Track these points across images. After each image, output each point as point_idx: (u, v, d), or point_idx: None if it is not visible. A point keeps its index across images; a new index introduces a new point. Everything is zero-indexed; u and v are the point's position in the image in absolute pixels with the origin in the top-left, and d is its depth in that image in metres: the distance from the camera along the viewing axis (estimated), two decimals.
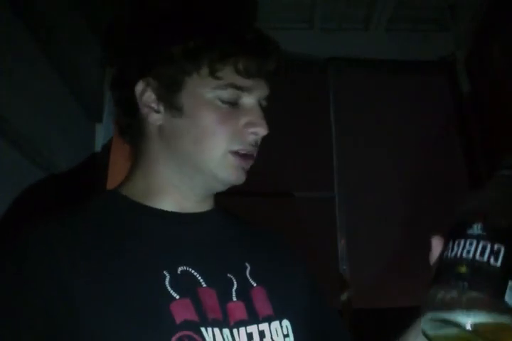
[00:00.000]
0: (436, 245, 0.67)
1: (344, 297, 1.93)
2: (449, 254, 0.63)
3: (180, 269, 0.72)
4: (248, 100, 0.76)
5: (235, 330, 0.71)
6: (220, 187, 0.80)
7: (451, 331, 0.59)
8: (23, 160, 1.13)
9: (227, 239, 0.83)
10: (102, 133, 1.60)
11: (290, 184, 2.15)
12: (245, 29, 0.77)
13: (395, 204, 2.08)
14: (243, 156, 0.76)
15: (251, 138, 0.76)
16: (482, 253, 0.61)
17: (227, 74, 0.74)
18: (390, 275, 1.94)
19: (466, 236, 0.63)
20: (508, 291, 0.59)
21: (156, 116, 0.77)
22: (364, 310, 1.92)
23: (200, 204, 0.81)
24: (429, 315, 0.61)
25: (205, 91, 0.74)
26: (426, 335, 0.63)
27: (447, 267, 0.63)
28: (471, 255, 0.61)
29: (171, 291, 0.69)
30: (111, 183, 1.35)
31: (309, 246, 1.96)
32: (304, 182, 2.16)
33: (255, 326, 0.73)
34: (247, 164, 0.77)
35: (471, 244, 0.62)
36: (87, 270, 0.68)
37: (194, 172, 0.77)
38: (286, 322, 0.76)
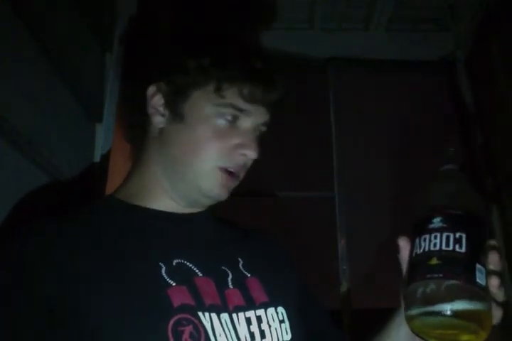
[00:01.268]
0: (404, 246, 0.71)
1: (344, 297, 1.93)
2: (418, 251, 0.67)
3: (175, 261, 0.75)
4: (245, 123, 0.80)
5: (234, 315, 0.74)
6: (202, 201, 0.82)
7: (437, 319, 0.62)
8: (23, 160, 1.13)
9: (219, 237, 0.86)
10: (102, 133, 1.60)
11: (290, 184, 2.15)
12: (257, 58, 0.81)
13: (395, 204, 2.08)
14: (230, 174, 0.79)
15: (240, 158, 0.79)
16: (447, 243, 0.64)
17: (231, 94, 0.78)
18: (390, 275, 1.94)
19: (429, 231, 0.67)
20: (477, 273, 0.63)
21: (159, 119, 0.81)
22: (364, 310, 1.92)
23: (190, 208, 0.84)
24: (414, 311, 0.64)
25: (207, 106, 0.78)
26: (414, 330, 0.66)
27: (419, 263, 0.66)
28: (437, 247, 0.65)
29: (168, 279, 0.71)
30: (111, 183, 1.35)
31: (309, 246, 1.97)
32: (304, 182, 2.16)
33: (252, 311, 0.76)
34: (232, 183, 0.81)
35: (435, 237, 0.66)
36: (85, 267, 0.69)
37: (181, 180, 0.80)
38: (281, 309, 0.79)
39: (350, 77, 2.24)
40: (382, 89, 2.23)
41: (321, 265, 1.98)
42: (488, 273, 0.65)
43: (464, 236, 0.65)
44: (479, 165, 2.07)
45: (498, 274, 0.66)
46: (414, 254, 0.68)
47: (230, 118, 0.78)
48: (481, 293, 0.63)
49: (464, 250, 0.64)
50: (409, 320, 0.65)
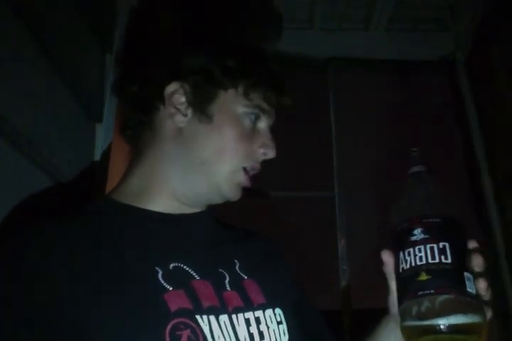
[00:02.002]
0: (388, 259, 0.72)
1: (344, 297, 1.93)
2: (405, 266, 0.66)
3: (172, 265, 0.74)
4: (263, 124, 0.83)
5: (233, 316, 0.73)
6: (217, 200, 0.83)
7: (434, 336, 0.62)
8: (23, 160, 1.13)
9: (215, 238, 0.85)
10: (102, 133, 1.60)
11: (290, 184, 2.15)
12: (274, 62, 0.84)
13: (395, 204, 2.08)
14: (250, 177, 0.82)
15: (260, 158, 0.82)
16: (433, 255, 0.64)
17: (256, 97, 0.80)
18: None
19: (412, 244, 0.66)
20: (467, 282, 0.63)
21: (181, 119, 0.80)
22: (364, 310, 1.92)
23: (190, 208, 0.84)
24: (411, 328, 0.64)
25: (236, 107, 0.80)
26: None
27: (408, 279, 0.66)
28: (424, 260, 0.64)
29: (164, 284, 0.71)
30: (111, 183, 1.35)
31: (309, 246, 1.96)
32: (304, 182, 2.16)
33: (251, 313, 0.76)
34: (248, 184, 0.83)
35: (420, 250, 0.65)
36: (84, 268, 0.69)
37: (200, 179, 0.80)
38: (278, 311, 0.79)
39: (350, 77, 2.24)
40: (382, 89, 2.23)
41: (321, 265, 1.98)
42: (475, 277, 0.65)
43: (447, 245, 0.64)
44: (480, 165, 2.07)
45: (485, 275, 0.66)
46: (401, 270, 0.67)
47: (253, 118, 0.81)
48: (474, 303, 0.63)
49: (450, 260, 0.63)
50: (406, 336, 0.65)
